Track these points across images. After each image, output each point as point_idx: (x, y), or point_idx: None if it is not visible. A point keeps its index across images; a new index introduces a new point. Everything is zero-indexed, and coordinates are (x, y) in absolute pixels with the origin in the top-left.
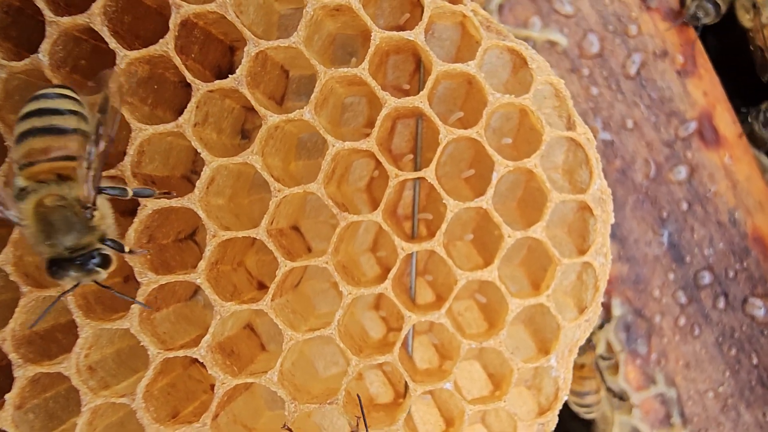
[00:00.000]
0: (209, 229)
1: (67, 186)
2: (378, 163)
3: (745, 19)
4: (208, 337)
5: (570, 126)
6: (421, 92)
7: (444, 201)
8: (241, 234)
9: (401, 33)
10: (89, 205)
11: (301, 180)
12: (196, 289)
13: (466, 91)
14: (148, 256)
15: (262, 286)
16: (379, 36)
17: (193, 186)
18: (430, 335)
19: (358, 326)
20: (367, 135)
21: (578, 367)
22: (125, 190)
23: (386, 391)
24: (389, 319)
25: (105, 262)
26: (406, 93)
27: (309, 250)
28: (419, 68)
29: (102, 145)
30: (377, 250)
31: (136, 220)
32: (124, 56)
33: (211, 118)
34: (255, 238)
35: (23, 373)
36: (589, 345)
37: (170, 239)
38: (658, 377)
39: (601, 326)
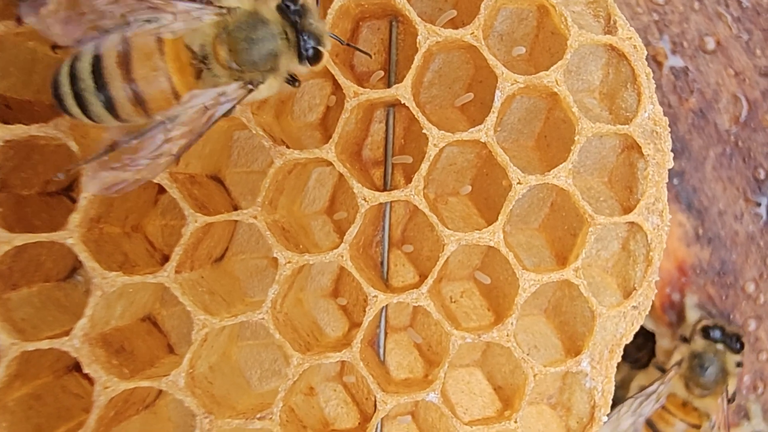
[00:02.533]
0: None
1: None
2: (337, 86)
3: None
4: (84, 321)
5: (609, 29)
6: None
7: (425, 131)
8: None
9: None
10: None
11: None
12: (75, 267)
13: None
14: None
15: (168, 261)
16: None
17: None
18: (410, 332)
19: (308, 319)
20: None
21: (679, 404)
22: None
23: (348, 412)
24: (352, 310)
25: None
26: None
27: (235, 209)
28: None
29: None
30: (335, 209)
31: None
32: None
33: None
34: (158, 195)
35: None
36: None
37: (34, 189)
38: (753, 410)
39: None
